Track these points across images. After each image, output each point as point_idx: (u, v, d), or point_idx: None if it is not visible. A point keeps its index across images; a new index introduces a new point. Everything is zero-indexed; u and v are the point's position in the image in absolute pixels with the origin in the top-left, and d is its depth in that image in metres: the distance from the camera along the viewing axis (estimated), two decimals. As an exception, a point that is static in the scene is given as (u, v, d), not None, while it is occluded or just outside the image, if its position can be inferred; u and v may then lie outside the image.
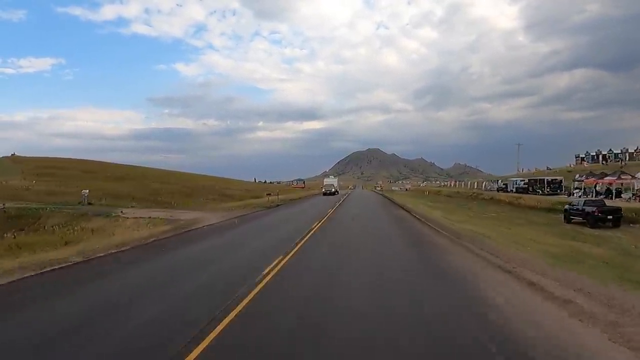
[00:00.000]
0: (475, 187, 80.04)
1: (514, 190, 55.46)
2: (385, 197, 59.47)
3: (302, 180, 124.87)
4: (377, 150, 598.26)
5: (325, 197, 56.31)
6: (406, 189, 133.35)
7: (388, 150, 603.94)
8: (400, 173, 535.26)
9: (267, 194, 34.71)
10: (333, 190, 65.74)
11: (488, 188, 70.47)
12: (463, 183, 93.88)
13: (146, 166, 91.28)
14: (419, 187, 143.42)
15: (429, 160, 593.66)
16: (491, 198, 49.58)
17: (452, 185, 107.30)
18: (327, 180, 77.71)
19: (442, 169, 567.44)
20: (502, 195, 49.58)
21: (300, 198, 51.72)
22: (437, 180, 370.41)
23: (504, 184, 60.61)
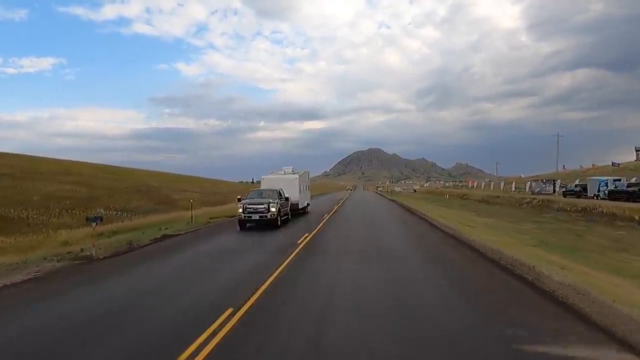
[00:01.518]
0: (513, 189, 58.56)
1: (604, 194, 34.10)
2: (406, 208, 30.58)
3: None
4: (378, 150, 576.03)
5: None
6: (414, 190, 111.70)
7: (389, 150, 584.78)
8: (402, 173, 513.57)
9: (87, 219, 10.94)
10: (272, 211, 17.40)
11: (537, 190, 49.06)
12: (492, 184, 72.04)
13: (97, 163, 69.95)
14: (429, 189, 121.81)
15: (430, 160, 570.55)
16: (585, 209, 28.03)
17: (473, 186, 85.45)
18: (266, 181, 23.60)
19: (443, 169, 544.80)
20: (605, 205, 27.93)
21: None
22: (439, 180, 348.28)
23: (577, 186, 38.97)
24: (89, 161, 69.65)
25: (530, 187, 53.67)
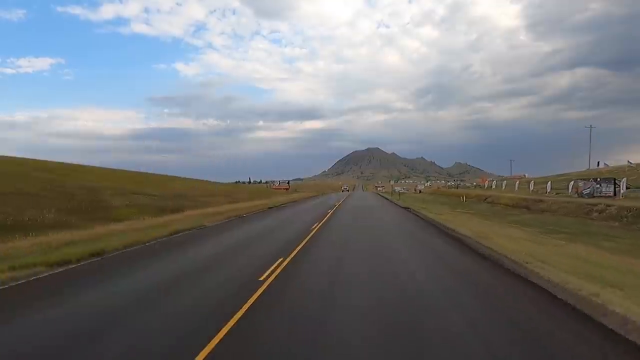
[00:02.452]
0: (549, 189, 46.77)
1: None
2: (446, 230, 16.15)
3: (286, 180, 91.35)
4: (377, 150, 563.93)
5: None
6: (419, 191, 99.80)
7: (388, 149, 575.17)
8: (400, 172, 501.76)
9: None
10: None
11: (587, 192, 37.17)
12: (517, 183, 59.97)
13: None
14: (433, 189, 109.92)
15: (429, 160, 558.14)
16: None
17: (491, 185, 73.48)
18: None
19: (442, 168, 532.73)
20: None
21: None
22: (438, 180, 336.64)
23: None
24: (57, 160, 56.44)
25: (574, 187, 41.84)
